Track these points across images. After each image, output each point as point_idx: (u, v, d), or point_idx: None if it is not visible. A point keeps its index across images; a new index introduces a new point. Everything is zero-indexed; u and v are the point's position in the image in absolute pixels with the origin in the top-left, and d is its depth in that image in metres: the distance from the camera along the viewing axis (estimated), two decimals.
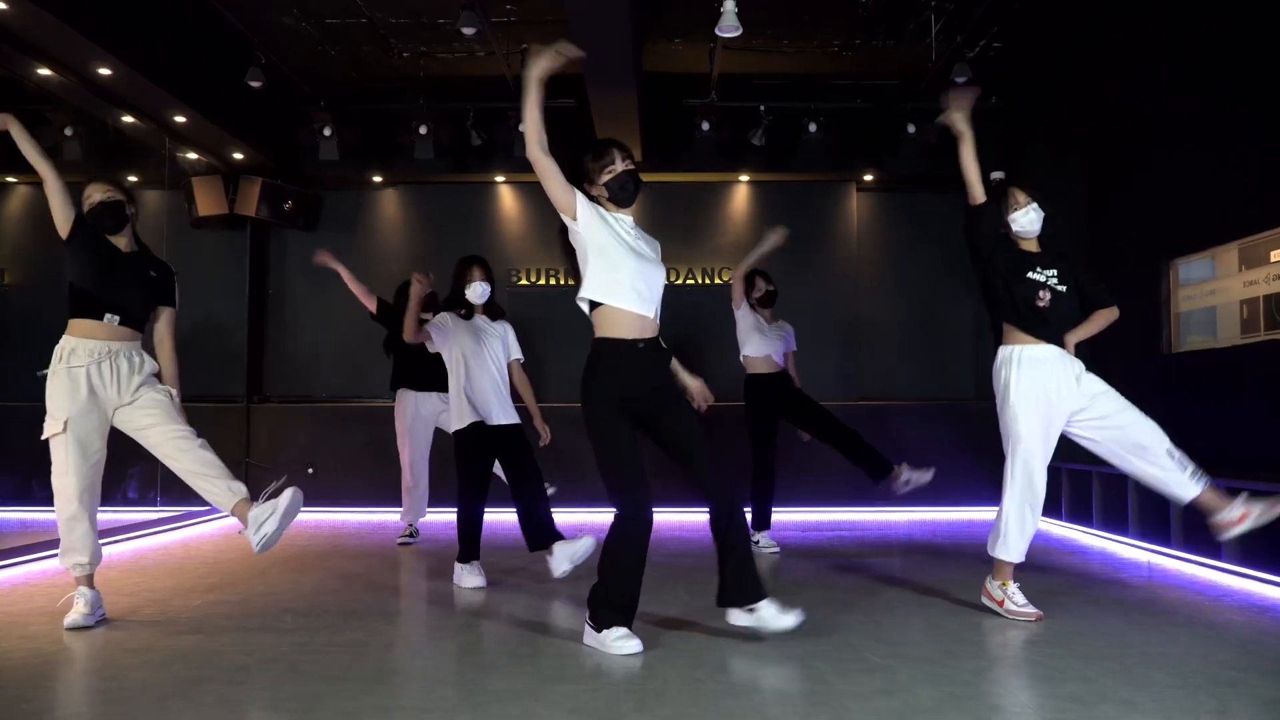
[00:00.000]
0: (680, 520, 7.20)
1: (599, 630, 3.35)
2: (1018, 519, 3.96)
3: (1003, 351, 4.07)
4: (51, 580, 4.72)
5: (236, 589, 4.60)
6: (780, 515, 6.35)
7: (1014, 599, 3.94)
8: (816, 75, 7.91)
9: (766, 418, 5.91)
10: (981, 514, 7.80)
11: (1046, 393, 3.95)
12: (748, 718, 2.62)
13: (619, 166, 3.50)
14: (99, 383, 3.75)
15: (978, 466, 7.91)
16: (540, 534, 4.56)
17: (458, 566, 4.75)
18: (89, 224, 3.87)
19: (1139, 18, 6.53)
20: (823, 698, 2.80)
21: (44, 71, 5.91)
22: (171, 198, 8.17)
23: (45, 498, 3.85)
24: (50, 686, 3.00)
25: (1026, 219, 4.03)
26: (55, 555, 3.95)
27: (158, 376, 3.97)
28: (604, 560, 3.39)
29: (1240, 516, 3.75)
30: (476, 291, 4.85)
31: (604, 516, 3.49)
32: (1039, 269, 4.01)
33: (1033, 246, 4.09)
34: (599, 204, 3.52)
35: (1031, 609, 3.90)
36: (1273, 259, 5.49)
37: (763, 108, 7.91)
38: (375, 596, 4.48)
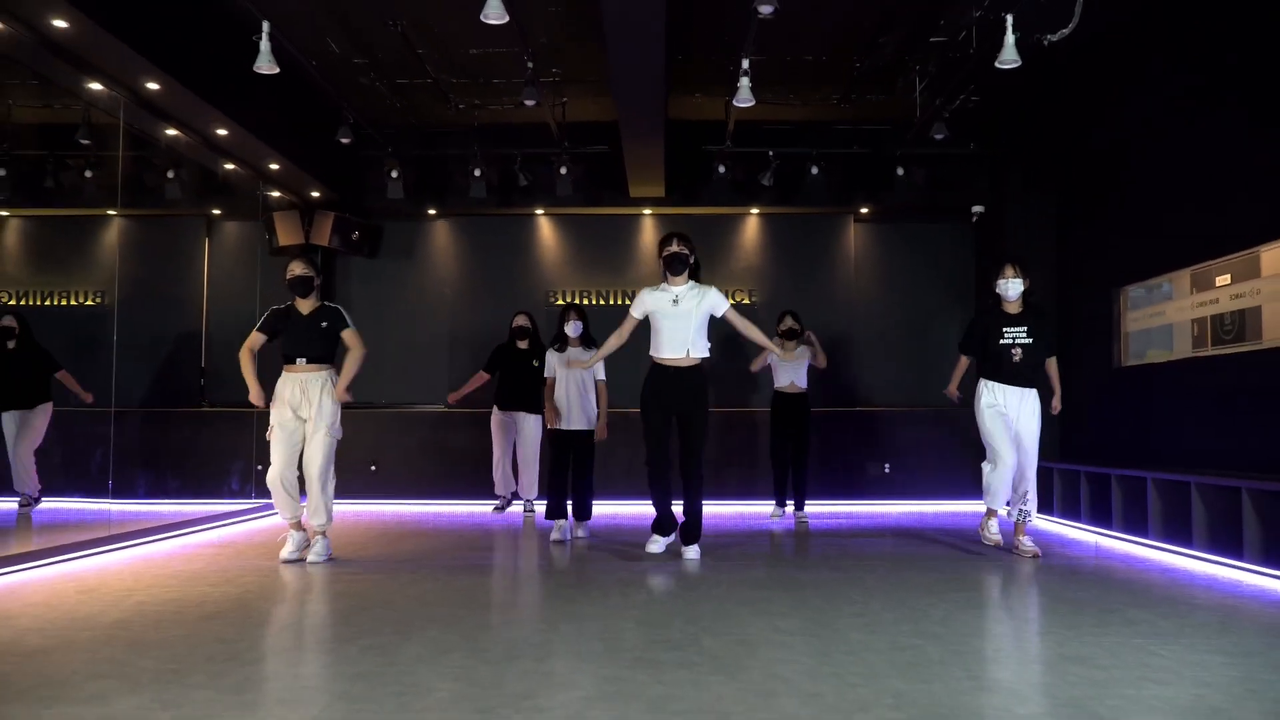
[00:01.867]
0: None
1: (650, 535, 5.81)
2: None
3: (980, 385, 5.94)
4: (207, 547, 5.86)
5: (355, 556, 5.75)
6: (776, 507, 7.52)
7: (989, 529, 6.13)
8: (818, 123, 9.07)
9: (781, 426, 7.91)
10: (963, 506, 8.91)
11: (1005, 404, 5.77)
12: (762, 623, 3.75)
13: (670, 249, 5.45)
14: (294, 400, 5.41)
15: (960, 465, 9.06)
16: (577, 509, 6.64)
17: (547, 521, 6.81)
18: (280, 309, 5.63)
19: (1099, 69, 7.60)
20: (820, 620, 3.92)
21: (171, 132, 7.08)
22: (255, 229, 9.35)
23: (162, 490, 5.18)
24: (262, 604, 4.14)
25: (1007, 288, 5.82)
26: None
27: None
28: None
29: (1031, 551, 5.76)
30: (570, 328, 6.58)
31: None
32: (1011, 327, 5.79)
33: (1013, 308, 5.87)
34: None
35: (996, 536, 6.13)
36: (1218, 284, 6.52)
37: (771, 153, 9.05)
38: (462, 560, 5.62)
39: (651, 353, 5.61)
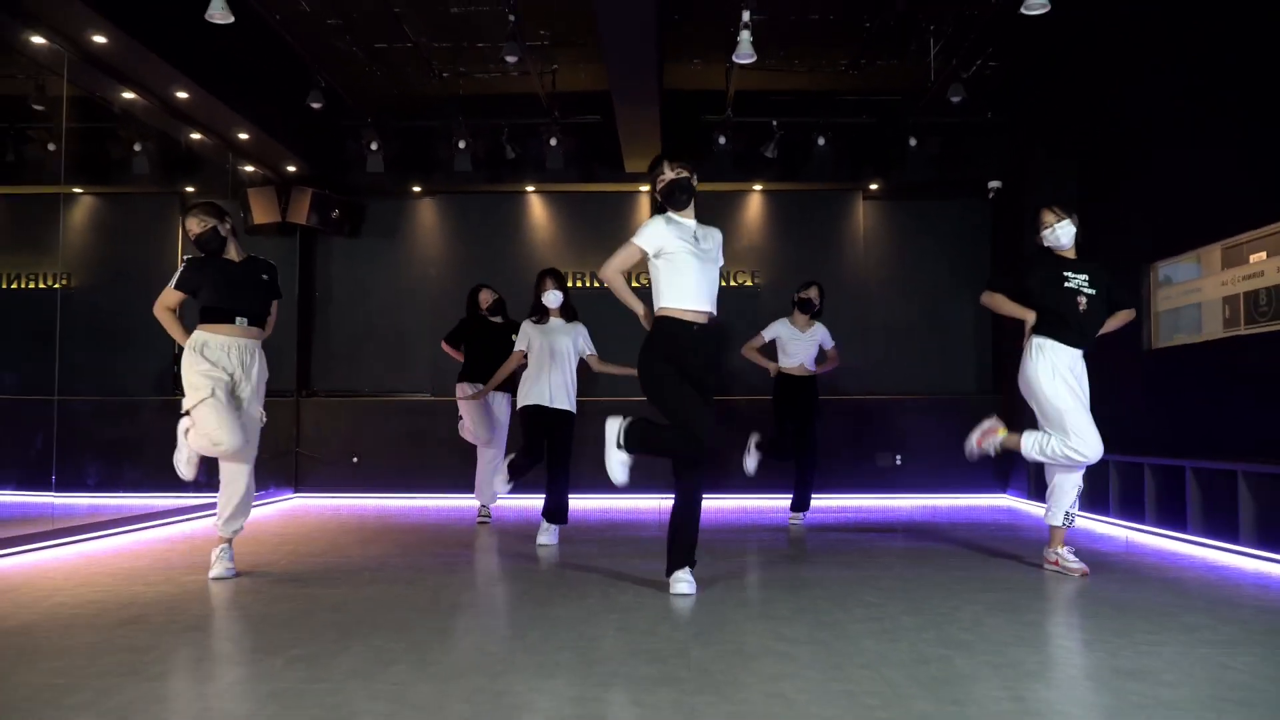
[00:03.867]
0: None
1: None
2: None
3: (1033, 346, 4.65)
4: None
5: (313, 555, 5.22)
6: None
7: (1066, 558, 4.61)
8: (825, 92, 8.48)
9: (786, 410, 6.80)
10: (979, 500, 8.37)
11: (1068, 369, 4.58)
12: (762, 631, 3.22)
13: (666, 175, 4.10)
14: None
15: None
16: (553, 510, 5.63)
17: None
18: (198, 259, 4.50)
19: (1127, 32, 7.06)
20: (829, 626, 3.39)
21: (129, 95, 6.56)
22: (229, 206, 8.82)
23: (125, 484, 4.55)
24: (187, 613, 3.63)
25: (1058, 234, 4.62)
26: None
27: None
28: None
29: (1080, 571, 4.52)
30: (549, 298, 5.77)
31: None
32: (1073, 272, 4.61)
33: (1069, 254, 4.68)
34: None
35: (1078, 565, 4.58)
36: (1251, 260, 6.01)
37: (775, 122, 8.50)
38: (433, 559, 5.09)
39: (666, 304, 4.03)
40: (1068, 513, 4.65)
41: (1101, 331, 4.72)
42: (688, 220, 4.12)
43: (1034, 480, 7.87)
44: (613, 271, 4.08)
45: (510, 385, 6.49)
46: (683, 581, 3.96)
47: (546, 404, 5.67)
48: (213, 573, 4.38)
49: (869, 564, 4.87)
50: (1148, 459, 6.23)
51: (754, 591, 4.06)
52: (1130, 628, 3.35)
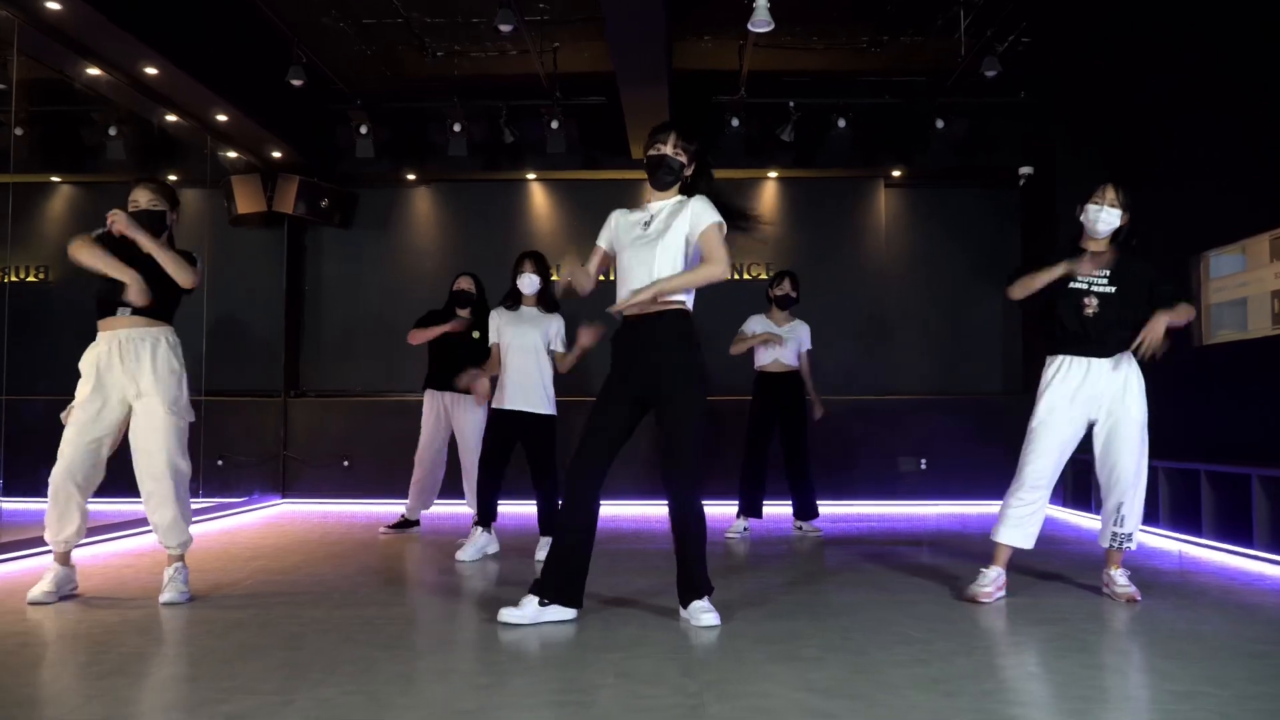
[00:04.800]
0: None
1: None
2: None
3: (1049, 359, 4.10)
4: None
5: (284, 571, 4.72)
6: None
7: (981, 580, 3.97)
8: (845, 71, 7.95)
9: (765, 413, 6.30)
10: None
11: (1084, 389, 3.98)
12: (789, 678, 2.70)
13: (662, 149, 3.58)
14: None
15: (1005, 460, 7.93)
16: (545, 520, 5.04)
17: (475, 530, 5.12)
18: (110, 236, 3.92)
19: (1170, 7, 6.54)
20: (868, 671, 2.87)
21: (93, 71, 6.07)
22: (212, 196, 8.34)
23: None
24: (118, 650, 3.12)
25: (1098, 217, 3.97)
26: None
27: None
28: None
29: (1126, 596, 3.95)
30: (525, 283, 5.09)
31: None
32: (1093, 277, 3.96)
33: (1098, 247, 4.02)
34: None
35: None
36: None
37: (791, 104, 7.97)
38: (415, 576, 4.58)
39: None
40: (1114, 534, 4.03)
41: (1168, 321, 3.92)
42: (660, 201, 3.64)
43: (1070, 487, 7.34)
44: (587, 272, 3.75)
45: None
46: (705, 613, 3.42)
47: (513, 408, 5.00)
48: (163, 597, 3.87)
49: (902, 586, 4.34)
50: (1203, 465, 5.70)
51: (775, 623, 3.52)
52: (1228, 675, 2.81)
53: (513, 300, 5.17)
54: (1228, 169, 6.04)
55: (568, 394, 5.49)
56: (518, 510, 6.31)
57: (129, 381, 3.84)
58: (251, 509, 7.65)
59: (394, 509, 7.85)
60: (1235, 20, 5.91)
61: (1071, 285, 3.99)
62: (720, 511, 6.99)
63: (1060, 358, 4.03)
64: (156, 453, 3.83)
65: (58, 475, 3.81)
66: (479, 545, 5.10)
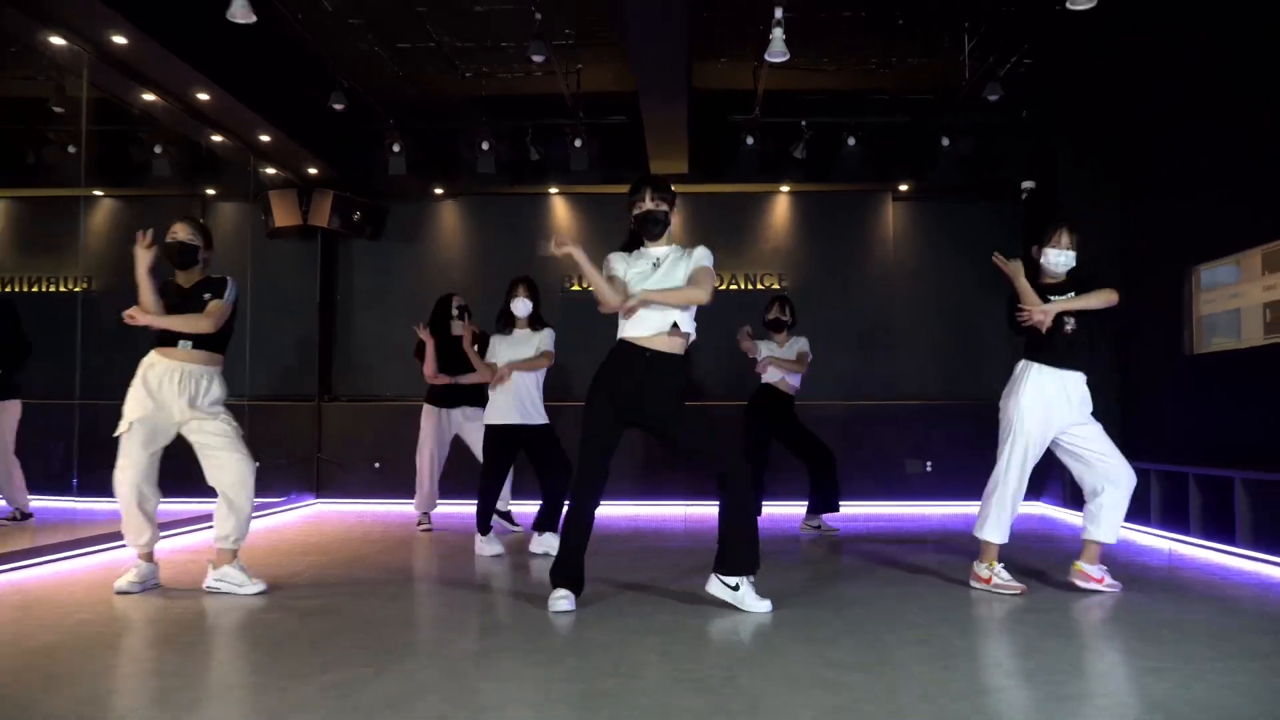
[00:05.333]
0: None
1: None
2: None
3: (1020, 365, 4.54)
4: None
5: (336, 566, 5.12)
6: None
7: (999, 575, 4.38)
8: (855, 91, 8.32)
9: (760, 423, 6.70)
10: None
11: (1048, 403, 4.41)
12: (807, 654, 3.08)
13: (642, 205, 4.00)
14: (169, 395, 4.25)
15: None
16: (546, 518, 5.47)
17: (477, 538, 5.52)
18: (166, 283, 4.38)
19: (1166, 27, 6.86)
20: (878, 650, 3.25)
21: (148, 96, 6.47)
22: (252, 210, 8.75)
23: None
24: (211, 633, 3.51)
25: (1058, 259, 4.42)
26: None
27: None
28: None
29: (1098, 579, 4.37)
30: (518, 306, 5.58)
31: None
32: (1056, 294, 4.41)
33: (1056, 280, 4.47)
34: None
35: (1016, 584, 4.34)
36: None
37: (804, 123, 8.34)
38: (461, 571, 4.97)
39: (621, 332, 4.08)
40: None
41: (1075, 306, 4.37)
42: (657, 249, 4.05)
43: (1068, 487, 7.69)
44: (603, 298, 4.02)
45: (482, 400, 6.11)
46: (751, 598, 3.87)
47: (517, 421, 5.47)
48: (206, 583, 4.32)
49: (910, 579, 4.72)
50: (1191, 468, 6.06)
51: (796, 610, 3.91)
52: (1195, 654, 3.19)
53: (506, 322, 5.67)
54: (1222, 183, 6.37)
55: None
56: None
57: (185, 408, 4.23)
58: (289, 508, 8.05)
59: None
60: (1236, 30, 6.18)
61: (1048, 302, 4.40)
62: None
63: (1036, 366, 4.45)
64: (226, 460, 4.26)
65: (126, 489, 4.21)
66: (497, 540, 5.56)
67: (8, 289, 8.80)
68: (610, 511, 7.61)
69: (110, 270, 8.83)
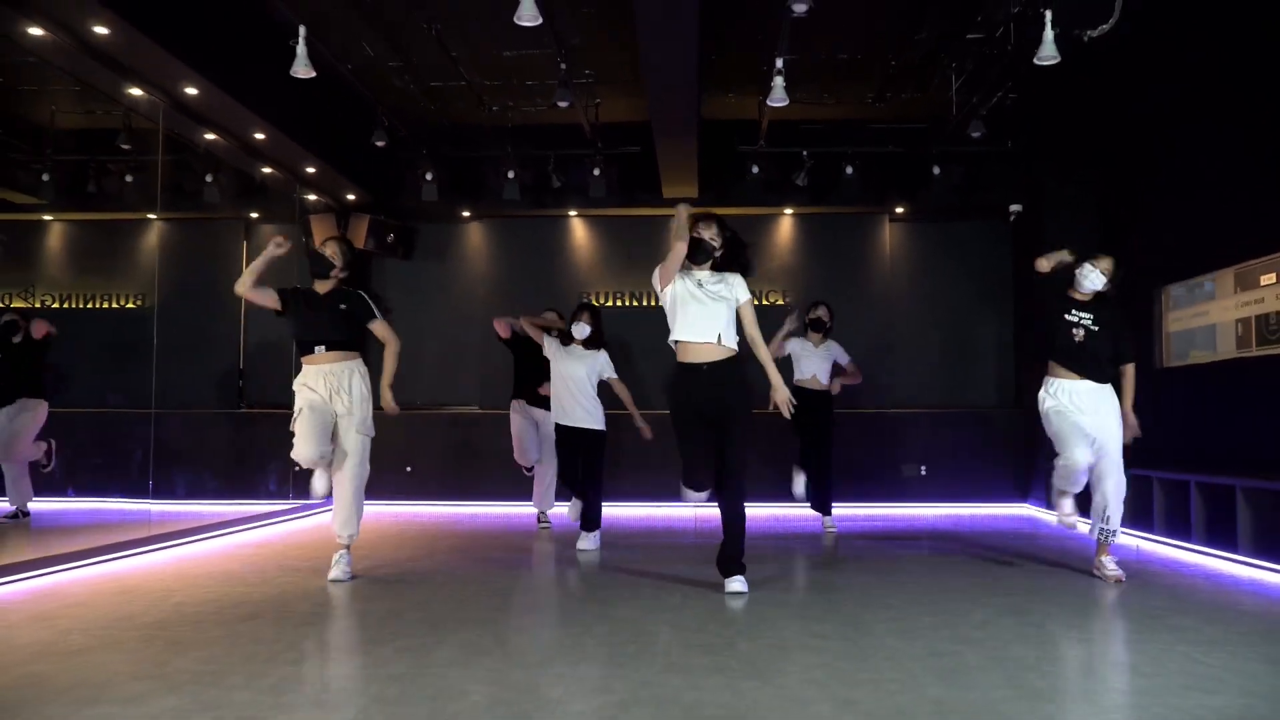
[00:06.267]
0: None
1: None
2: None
3: (1044, 384, 5.21)
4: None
5: (388, 563, 5.78)
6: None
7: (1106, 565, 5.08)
8: (853, 121, 8.98)
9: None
10: (999, 510, 8.80)
11: (1074, 405, 5.04)
12: (796, 627, 3.72)
13: (703, 234, 4.68)
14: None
15: (996, 467, 8.97)
16: (586, 520, 6.23)
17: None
18: (297, 289, 5.09)
19: (1139, 59, 7.38)
20: (856, 624, 3.89)
21: (210, 136, 7.16)
22: (292, 231, 9.42)
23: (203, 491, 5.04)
24: (300, 610, 4.17)
25: (1090, 276, 5.09)
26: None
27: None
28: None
29: (1114, 577, 4.99)
30: (578, 330, 6.37)
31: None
32: (1075, 311, 5.13)
33: (1082, 297, 5.15)
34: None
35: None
36: (1263, 283, 6.35)
37: (805, 152, 8.98)
38: (496, 564, 5.62)
39: (673, 335, 4.66)
40: (1101, 528, 5.07)
41: (1128, 401, 5.11)
42: (701, 271, 4.67)
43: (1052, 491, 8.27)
44: (665, 272, 4.65)
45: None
46: (735, 580, 4.52)
47: (567, 423, 6.25)
48: (331, 575, 4.95)
49: (893, 571, 5.34)
50: (1155, 473, 6.63)
51: (791, 594, 4.55)
52: (1122, 628, 3.81)
53: (565, 338, 6.41)
54: (1189, 211, 6.92)
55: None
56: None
57: (337, 403, 4.89)
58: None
59: (453, 510, 8.93)
60: (1224, 44, 6.61)
61: (1065, 318, 5.13)
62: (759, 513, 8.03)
63: (1055, 381, 5.12)
64: (346, 466, 4.93)
65: (318, 475, 4.91)
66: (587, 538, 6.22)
67: (86, 305, 9.46)
68: (627, 512, 8.26)
69: (165, 287, 9.55)
